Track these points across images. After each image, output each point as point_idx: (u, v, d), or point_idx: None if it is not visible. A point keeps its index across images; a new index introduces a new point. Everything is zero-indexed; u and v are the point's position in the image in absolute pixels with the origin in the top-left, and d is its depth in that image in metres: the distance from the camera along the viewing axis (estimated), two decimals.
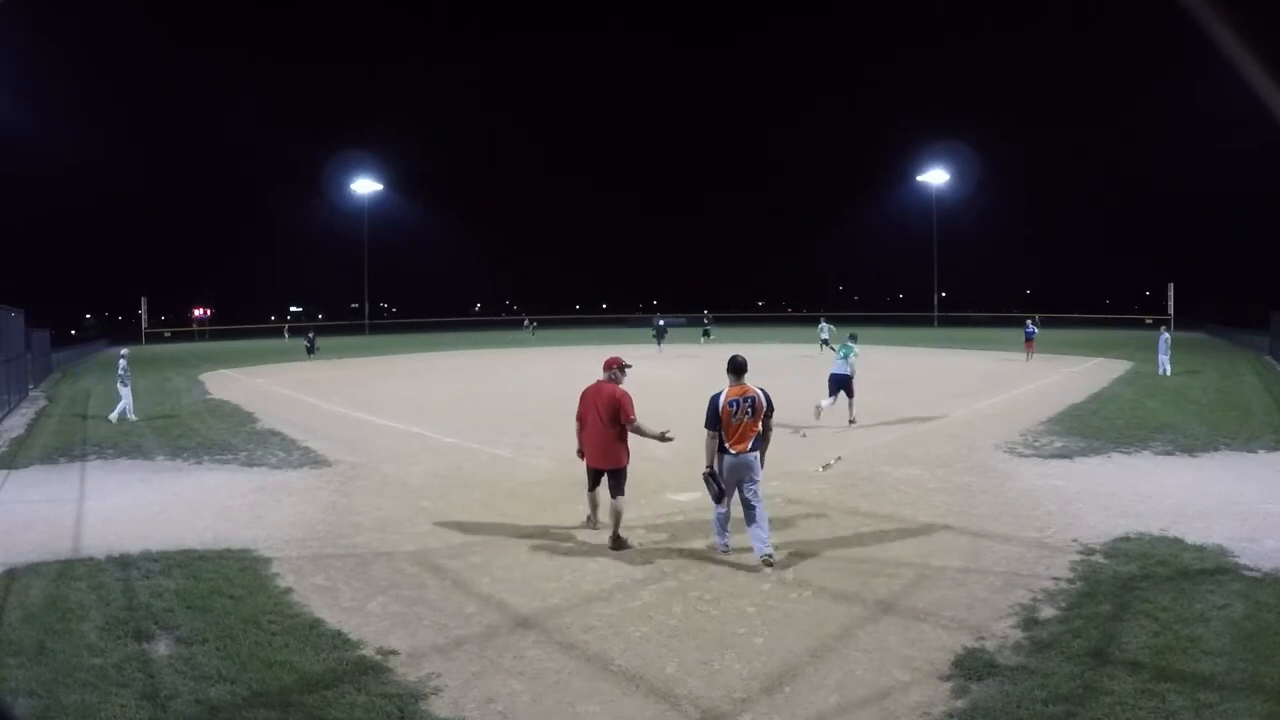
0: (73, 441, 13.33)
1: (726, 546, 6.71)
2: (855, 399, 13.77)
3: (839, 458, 10.35)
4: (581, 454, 7.40)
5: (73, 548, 7.06)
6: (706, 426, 6.60)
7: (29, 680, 4.38)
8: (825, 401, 13.48)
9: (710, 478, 6.60)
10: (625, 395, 7.12)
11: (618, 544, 6.97)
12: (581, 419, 7.32)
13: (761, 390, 6.68)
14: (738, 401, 6.52)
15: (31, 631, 5.06)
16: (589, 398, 7.26)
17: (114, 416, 15.47)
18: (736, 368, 6.75)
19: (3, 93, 36.91)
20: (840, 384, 13.66)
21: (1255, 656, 4.51)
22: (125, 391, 15.73)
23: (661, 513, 8.10)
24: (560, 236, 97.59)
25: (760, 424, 6.59)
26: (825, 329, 31.21)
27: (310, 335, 33.84)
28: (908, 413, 15.33)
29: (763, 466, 6.71)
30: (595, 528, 7.48)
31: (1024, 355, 27.34)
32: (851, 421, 13.58)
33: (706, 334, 42.77)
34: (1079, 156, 78.44)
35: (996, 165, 72.61)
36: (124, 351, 17.26)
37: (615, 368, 7.36)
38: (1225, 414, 14.31)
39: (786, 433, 11.71)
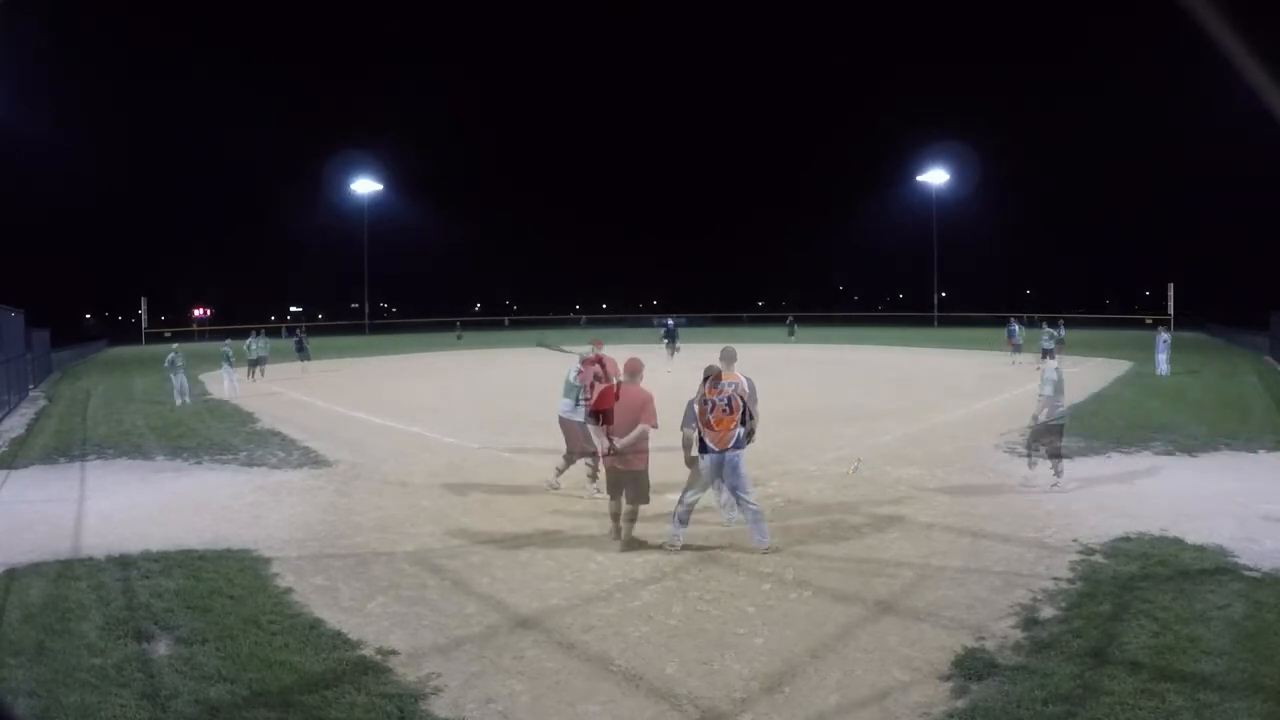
0: (73, 441, 13.34)
1: (678, 540, 6.95)
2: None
3: (860, 460, 10.34)
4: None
5: (73, 548, 7.06)
6: (682, 427, 7.07)
7: (29, 680, 4.38)
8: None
9: (691, 464, 7.13)
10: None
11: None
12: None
13: (746, 379, 7.08)
14: (714, 401, 6.90)
15: (31, 631, 5.06)
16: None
17: (225, 393, 19.99)
18: (727, 357, 7.18)
19: (3, 92, 36.86)
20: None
21: (1255, 656, 4.51)
22: (230, 373, 20.84)
23: (661, 512, 8.09)
24: (560, 236, 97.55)
25: (738, 416, 6.91)
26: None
27: (298, 332, 28.08)
28: (908, 413, 15.35)
29: (750, 440, 7.03)
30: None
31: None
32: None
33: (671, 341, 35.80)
34: (1079, 156, 78.39)
35: (996, 165, 72.46)
36: (228, 343, 22.86)
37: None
38: (1225, 414, 14.30)
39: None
